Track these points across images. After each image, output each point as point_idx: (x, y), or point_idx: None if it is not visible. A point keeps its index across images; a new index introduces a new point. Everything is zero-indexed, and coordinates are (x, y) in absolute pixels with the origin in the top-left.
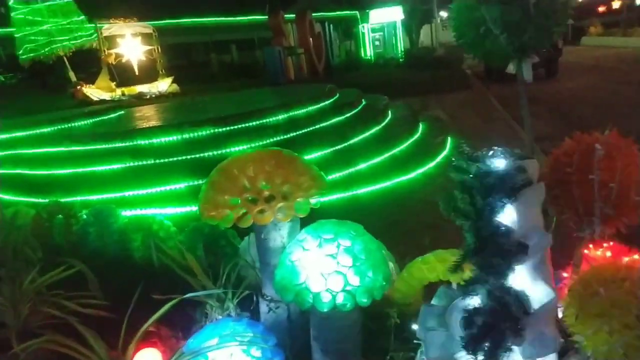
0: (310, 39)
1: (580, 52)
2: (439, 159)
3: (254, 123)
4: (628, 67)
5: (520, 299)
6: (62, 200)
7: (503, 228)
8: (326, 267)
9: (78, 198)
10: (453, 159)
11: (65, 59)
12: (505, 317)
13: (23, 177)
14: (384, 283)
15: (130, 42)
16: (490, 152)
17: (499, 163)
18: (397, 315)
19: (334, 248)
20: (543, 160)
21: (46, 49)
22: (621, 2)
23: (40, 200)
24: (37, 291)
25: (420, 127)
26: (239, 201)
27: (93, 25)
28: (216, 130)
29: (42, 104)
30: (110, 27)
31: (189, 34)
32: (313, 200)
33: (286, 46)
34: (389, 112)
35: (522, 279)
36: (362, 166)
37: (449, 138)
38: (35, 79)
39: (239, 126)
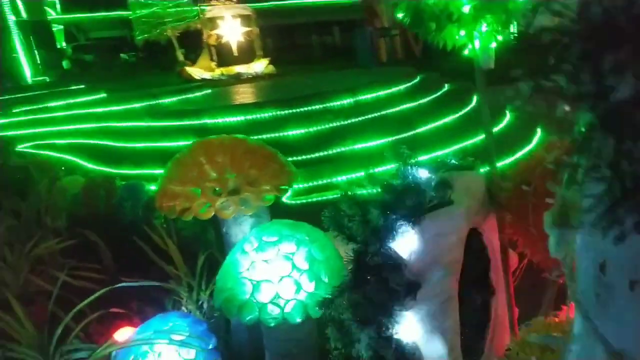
0: None
1: None
2: (518, 155)
3: (317, 107)
4: None
5: (404, 356)
6: (131, 172)
7: (392, 260)
8: (258, 274)
9: (145, 171)
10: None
11: (173, 39)
12: None
13: (104, 148)
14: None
15: (229, 23)
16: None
17: (418, 175)
18: None
19: (273, 253)
20: None
21: (157, 30)
22: None
23: (113, 170)
24: (37, 258)
25: (508, 116)
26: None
27: (197, 7)
28: (278, 112)
29: (152, 81)
30: (212, 9)
31: (290, 16)
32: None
33: (379, 27)
34: (472, 100)
35: (410, 329)
36: (422, 158)
37: (539, 130)
38: (151, 58)
39: (301, 109)
